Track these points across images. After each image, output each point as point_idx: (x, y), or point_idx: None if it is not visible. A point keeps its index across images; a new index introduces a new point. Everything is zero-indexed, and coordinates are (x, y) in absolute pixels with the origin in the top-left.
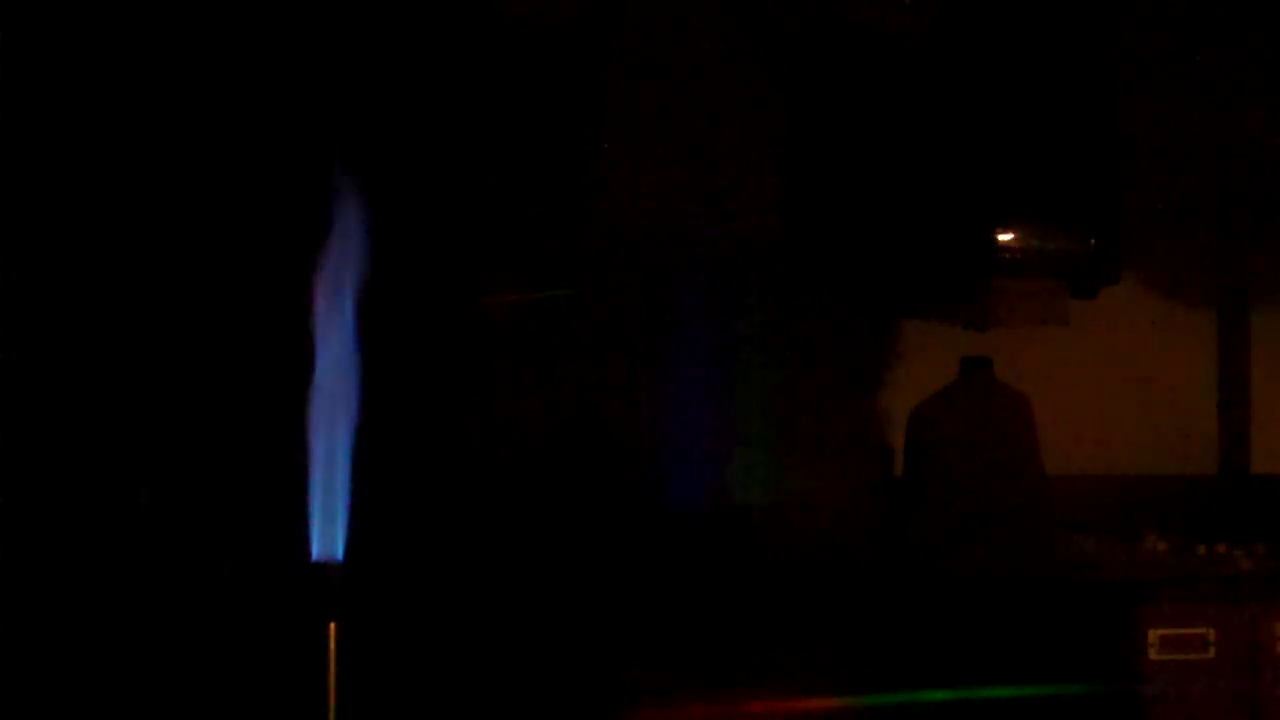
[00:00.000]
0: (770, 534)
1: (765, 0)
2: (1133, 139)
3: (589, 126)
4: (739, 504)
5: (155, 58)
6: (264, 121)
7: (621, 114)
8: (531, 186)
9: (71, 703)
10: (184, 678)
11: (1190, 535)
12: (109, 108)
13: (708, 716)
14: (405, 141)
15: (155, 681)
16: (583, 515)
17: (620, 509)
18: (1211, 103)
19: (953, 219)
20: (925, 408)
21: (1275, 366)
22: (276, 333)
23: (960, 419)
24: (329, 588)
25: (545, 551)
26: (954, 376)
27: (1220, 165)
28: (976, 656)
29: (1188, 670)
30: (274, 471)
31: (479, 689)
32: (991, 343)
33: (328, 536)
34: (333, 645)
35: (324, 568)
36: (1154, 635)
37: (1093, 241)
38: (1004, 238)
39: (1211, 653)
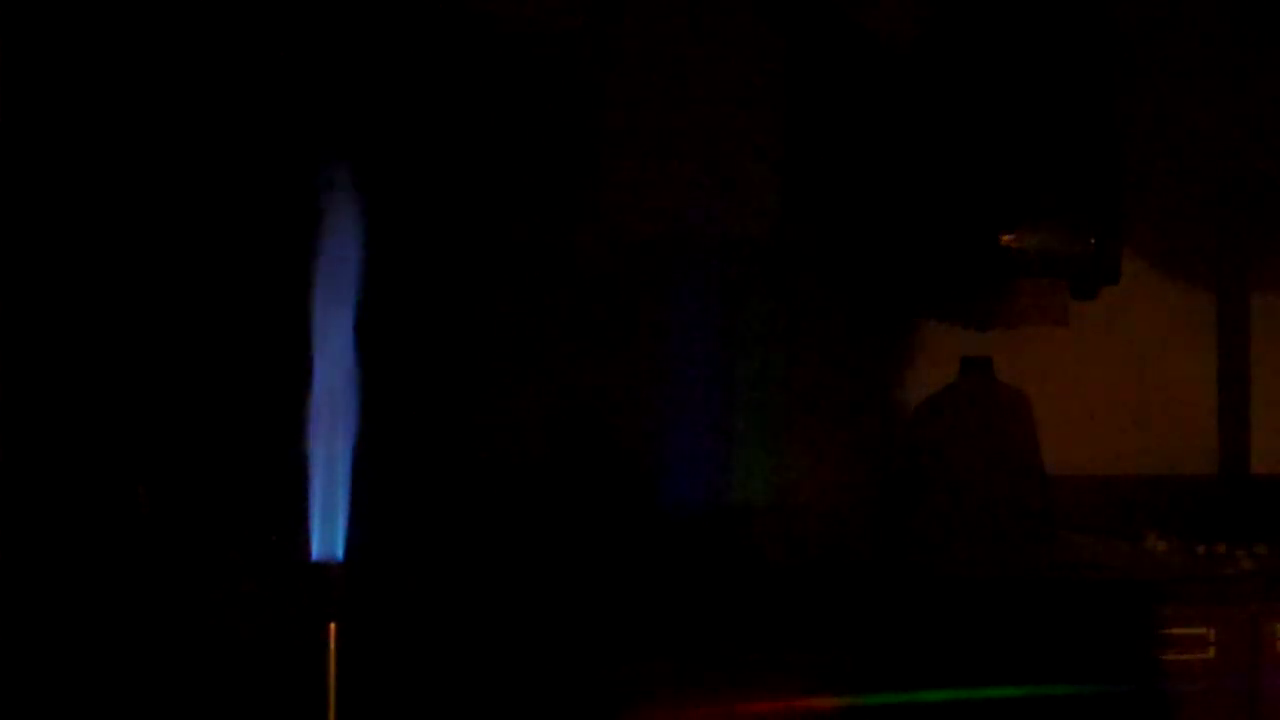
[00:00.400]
0: (770, 534)
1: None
2: (1133, 138)
3: (589, 125)
4: (739, 504)
5: (156, 57)
6: (264, 121)
7: (621, 112)
8: (531, 185)
9: (70, 702)
10: (184, 677)
11: (1190, 535)
12: (109, 109)
13: (708, 716)
14: (403, 140)
15: (155, 681)
16: (582, 514)
17: (620, 508)
18: (1212, 102)
19: (953, 219)
20: (925, 407)
21: (1275, 366)
22: (275, 331)
23: (960, 418)
24: (329, 588)
25: (545, 551)
26: (954, 376)
27: (1220, 165)
28: (976, 656)
29: (1188, 670)
30: (274, 471)
31: (479, 689)
32: (991, 343)
33: (328, 536)
34: (333, 645)
35: (324, 568)
36: (1154, 635)
37: (1093, 241)
38: (1004, 238)
39: (1211, 653)
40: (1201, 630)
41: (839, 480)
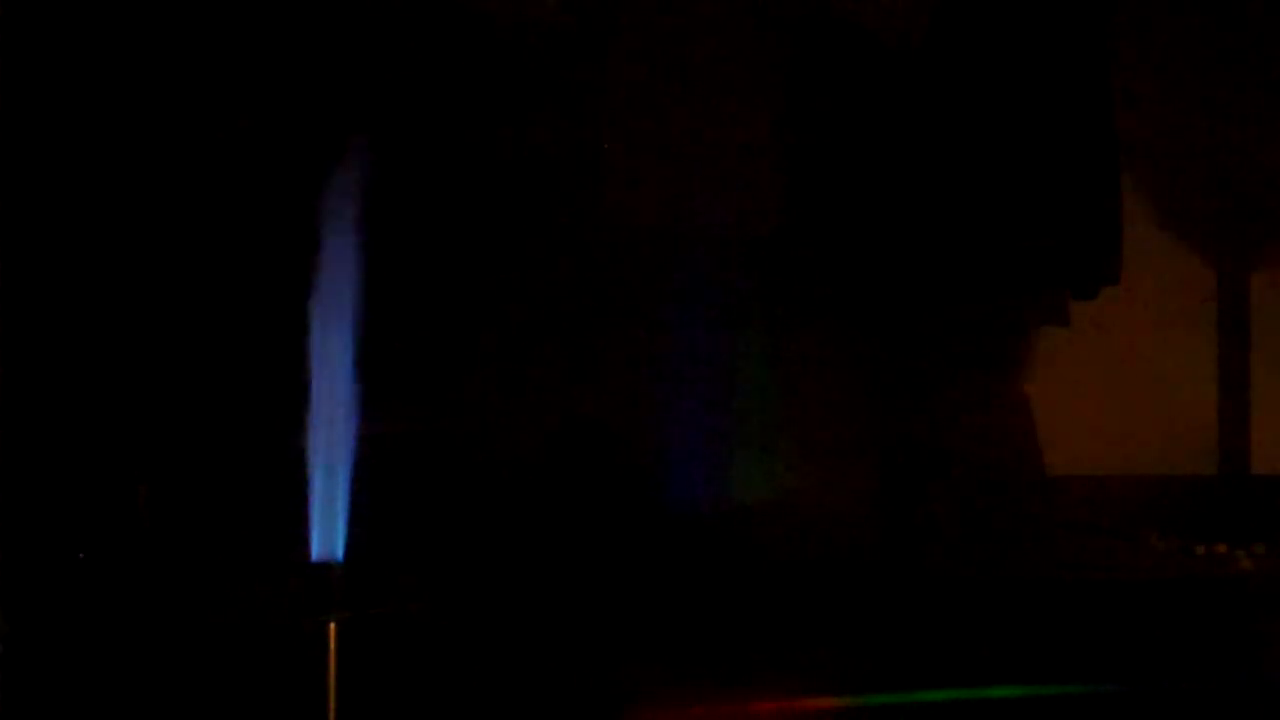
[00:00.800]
0: (770, 534)
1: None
2: (1133, 138)
3: (589, 124)
4: (739, 504)
5: (155, 57)
6: (264, 121)
7: (621, 112)
8: (531, 185)
9: (71, 701)
10: (184, 677)
11: (1190, 535)
12: (111, 111)
13: (708, 716)
14: (403, 140)
15: (155, 680)
16: (582, 514)
17: (620, 508)
18: (1212, 102)
19: (953, 220)
20: (925, 407)
21: (1275, 366)
22: (276, 332)
23: (961, 419)
24: (329, 588)
25: (545, 551)
26: (954, 376)
27: (1220, 165)
28: (976, 656)
29: (1188, 670)
30: (274, 471)
31: (479, 689)
32: (992, 343)
33: (328, 536)
34: (333, 645)
35: (324, 568)
36: (1154, 635)
37: (1093, 241)
38: (1005, 238)
39: (1212, 652)
40: (1202, 630)
41: (839, 480)
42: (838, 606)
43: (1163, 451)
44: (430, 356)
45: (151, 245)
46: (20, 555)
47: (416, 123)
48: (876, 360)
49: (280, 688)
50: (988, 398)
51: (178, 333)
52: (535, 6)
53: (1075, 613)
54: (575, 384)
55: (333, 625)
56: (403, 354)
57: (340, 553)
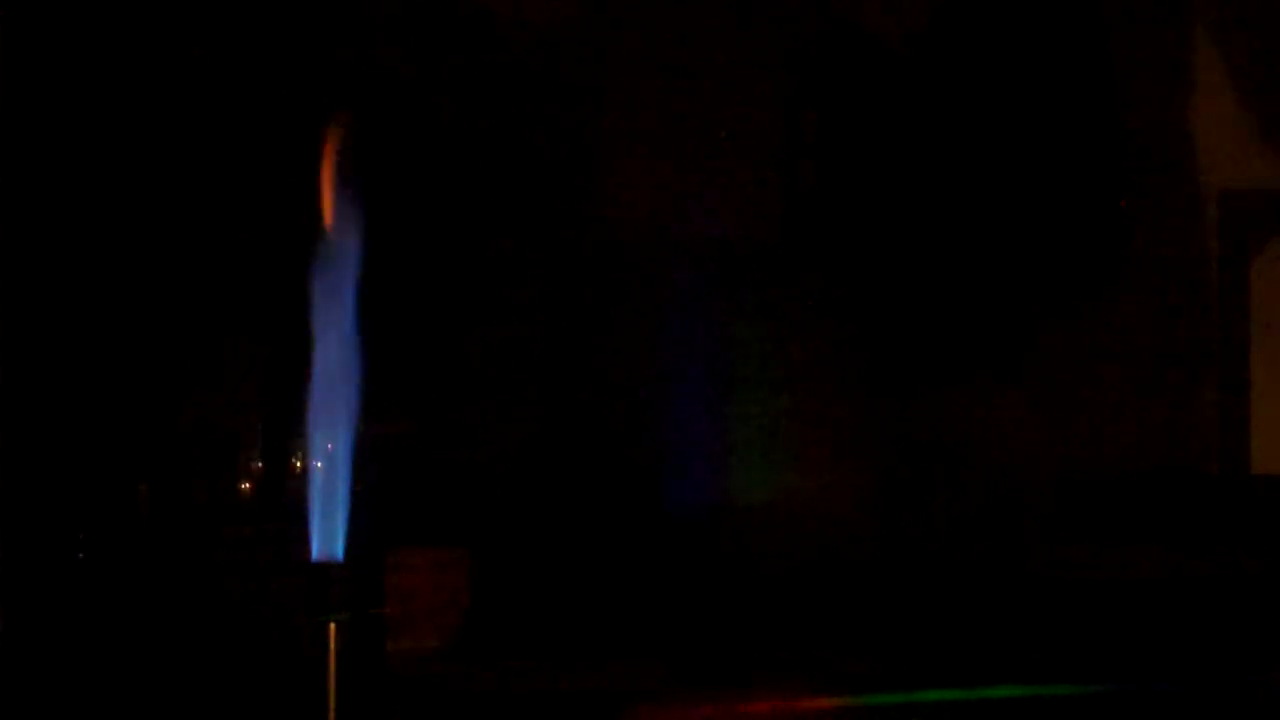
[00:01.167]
0: (770, 534)
1: (769, 1)
2: (1133, 138)
3: (589, 125)
4: (739, 504)
5: (155, 56)
6: (263, 120)
7: (621, 113)
8: (531, 185)
9: (72, 699)
10: (184, 676)
11: (1190, 535)
12: (111, 111)
13: (708, 716)
14: (403, 140)
15: (155, 680)
16: (583, 515)
17: (620, 509)
18: (1212, 104)
19: (954, 220)
20: (925, 408)
21: (1275, 366)
22: (275, 332)
23: (961, 419)
24: (329, 588)
25: (545, 551)
26: (954, 377)
27: (1219, 166)
28: (976, 656)
29: (1188, 670)
30: (274, 471)
31: (479, 688)
32: (993, 343)
33: (328, 536)
34: (333, 645)
35: (324, 568)
36: (1154, 635)
37: (1094, 241)
38: (1004, 238)
39: (1209, 652)
40: (1199, 630)
41: (839, 480)
42: (838, 606)
43: (1163, 451)
44: (430, 357)
45: (152, 247)
46: (20, 555)
47: (416, 123)
48: (876, 360)
49: (280, 688)
50: (988, 398)
51: (177, 333)
52: (537, 7)
53: (1075, 613)
54: (575, 384)
55: (333, 625)
56: (402, 355)
57: (340, 553)
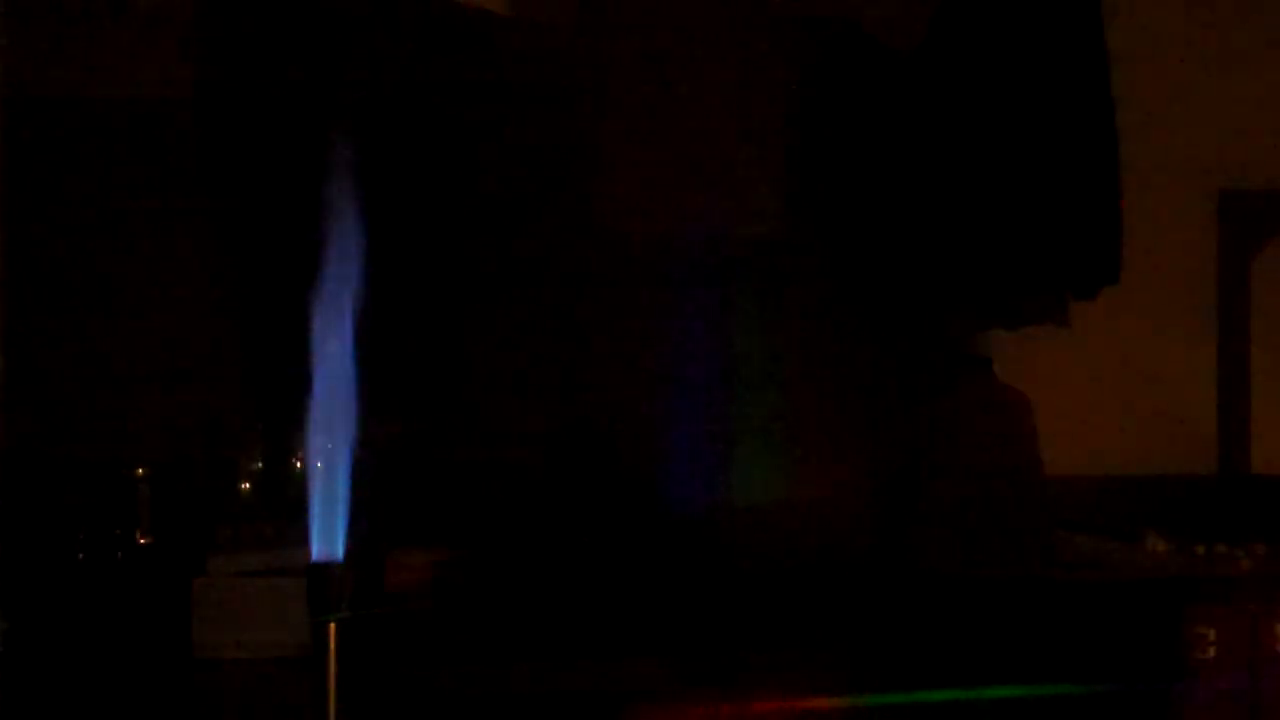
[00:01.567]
0: (770, 534)
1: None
2: (1132, 139)
3: (588, 125)
4: (739, 504)
5: (155, 56)
6: (262, 120)
7: (621, 112)
8: (530, 185)
9: (70, 701)
10: (184, 676)
11: (1190, 535)
12: (110, 109)
13: (708, 716)
14: (401, 141)
15: (155, 679)
16: (582, 514)
17: (619, 508)
18: (1211, 102)
19: (953, 220)
20: (925, 407)
21: (1275, 366)
22: (274, 332)
23: (960, 419)
24: (329, 588)
25: (544, 551)
26: (954, 377)
27: (1219, 165)
28: (976, 657)
29: (1188, 670)
30: (274, 471)
31: (479, 689)
32: (992, 343)
33: (328, 536)
34: (333, 645)
35: (324, 568)
36: (1154, 635)
37: (1093, 241)
38: (1004, 239)
39: (1211, 653)
40: (1201, 630)
41: (839, 480)
42: (837, 606)
43: (1162, 451)
44: (429, 358)
45: (152, 246)
46: (20, 555)
47: (415, 123)
48: (875, 361)
49: (280, 688)
50: (987, 398)
51: (177, 333)
52: (536, 6)
53: (1075, 613)
54: (574, 384)
55: (333, 625)
56: (402, 355)
57: (340, 553)
